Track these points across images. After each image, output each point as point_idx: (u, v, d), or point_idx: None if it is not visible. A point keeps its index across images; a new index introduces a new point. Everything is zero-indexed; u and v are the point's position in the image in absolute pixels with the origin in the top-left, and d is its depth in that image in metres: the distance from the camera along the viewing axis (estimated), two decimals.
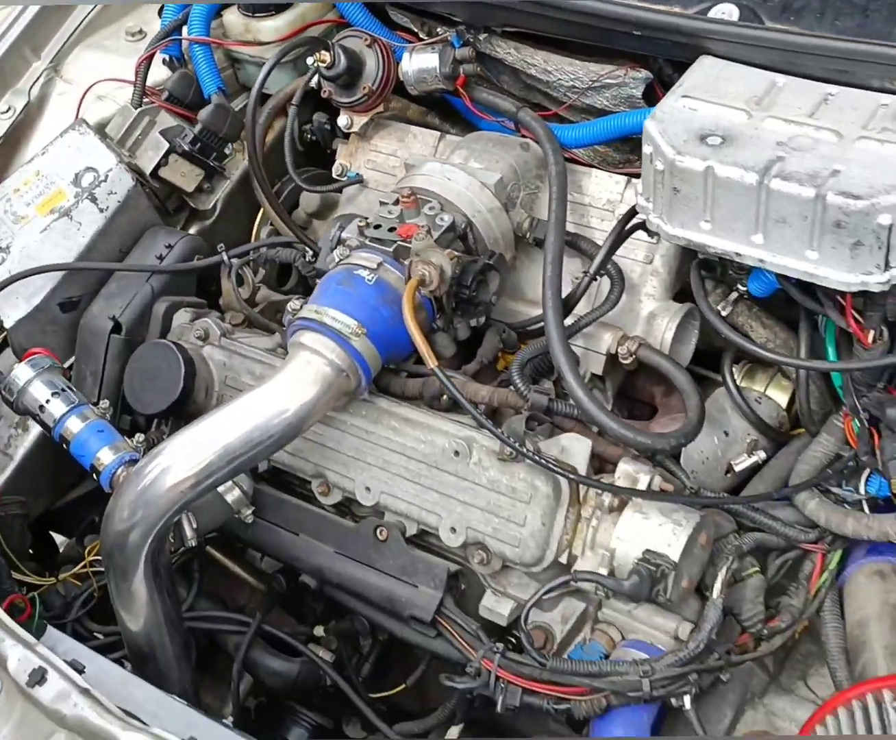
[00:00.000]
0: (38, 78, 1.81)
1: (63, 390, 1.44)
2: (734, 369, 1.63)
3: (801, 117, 1.37)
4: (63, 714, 1.21)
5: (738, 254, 1.35)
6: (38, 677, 1.24)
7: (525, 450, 1.35)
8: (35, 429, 1.60)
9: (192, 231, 1.75)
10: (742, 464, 1.61)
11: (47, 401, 1.43)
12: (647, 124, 1.36)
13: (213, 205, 1.76)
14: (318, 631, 1.62)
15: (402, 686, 1.62)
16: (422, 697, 1.64)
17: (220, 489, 1.45)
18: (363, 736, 1.66)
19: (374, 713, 1.54)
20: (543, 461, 1.35)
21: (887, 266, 1.29)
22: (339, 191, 1.78)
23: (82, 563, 1.61)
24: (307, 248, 1.66)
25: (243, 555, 1.69)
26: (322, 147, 1.84)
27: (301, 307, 1.44)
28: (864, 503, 1.52)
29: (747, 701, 1.53)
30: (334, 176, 1.78)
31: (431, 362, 1.31)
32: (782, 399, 1.64)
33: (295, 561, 1.52)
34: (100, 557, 1.59)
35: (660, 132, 1.34)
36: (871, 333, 1.43)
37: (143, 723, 1.20)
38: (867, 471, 1.51)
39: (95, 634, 1.61)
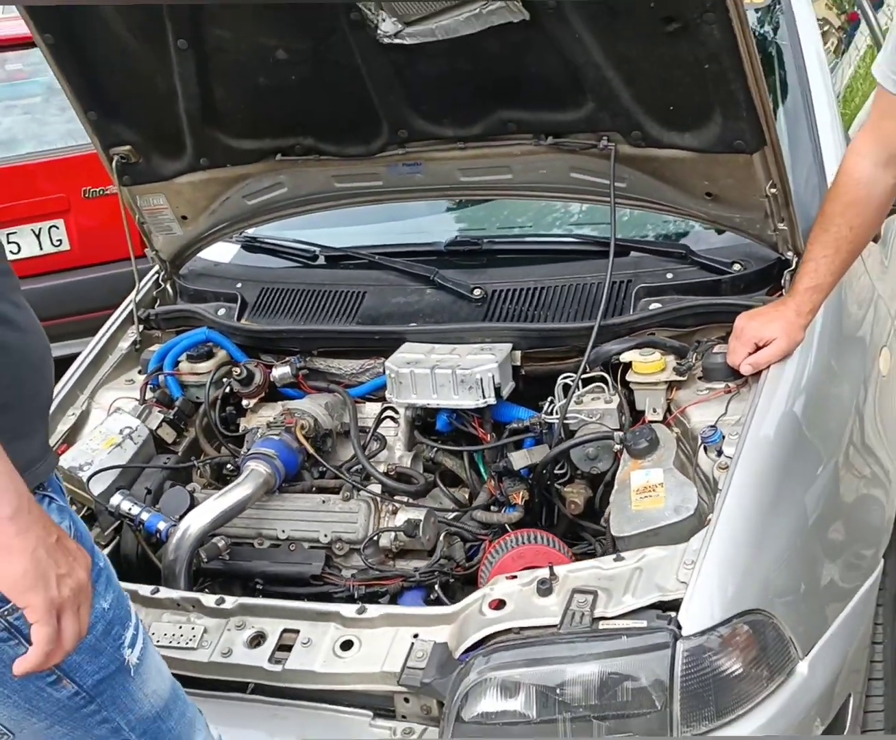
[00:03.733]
0: (83, 403, 3.53)
1: (136, 503, 3.06)
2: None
3: (444, 354, 3.20)
4: None
5: (428, 404, 3.20)
6: None
7: (354, 484, 3.10)
8: None
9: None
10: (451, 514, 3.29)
11: (131, 508, 3.04)
12: (387, 363, 3.24)
13: (182, 450, 3.46)
14: None
15: None
16: None
17: (214, 539, 3.06)
18: None
19: None
20: (362, 488, 3.09)
21: (483, 396, 3.13)
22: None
23: None
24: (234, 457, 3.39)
25: None
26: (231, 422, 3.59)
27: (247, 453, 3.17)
28: None
29: None
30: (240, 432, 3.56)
31: (311, 449, 3.09)
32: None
33: (249, 574, 3.07)
34: None
35: (392, 363, 3.22)
36: (489, 435, 3.33)
37: None
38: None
39: None
